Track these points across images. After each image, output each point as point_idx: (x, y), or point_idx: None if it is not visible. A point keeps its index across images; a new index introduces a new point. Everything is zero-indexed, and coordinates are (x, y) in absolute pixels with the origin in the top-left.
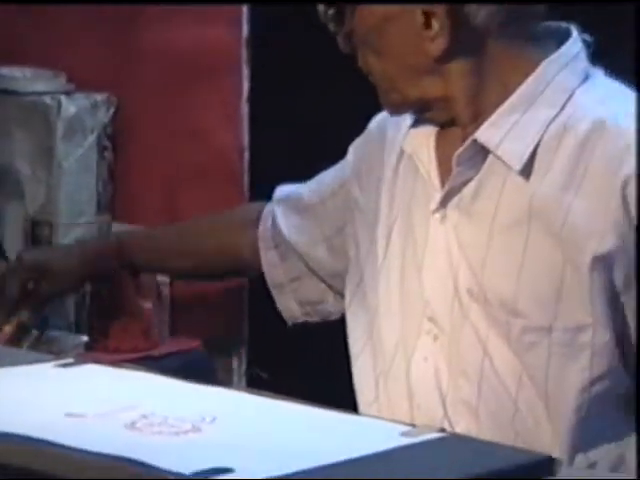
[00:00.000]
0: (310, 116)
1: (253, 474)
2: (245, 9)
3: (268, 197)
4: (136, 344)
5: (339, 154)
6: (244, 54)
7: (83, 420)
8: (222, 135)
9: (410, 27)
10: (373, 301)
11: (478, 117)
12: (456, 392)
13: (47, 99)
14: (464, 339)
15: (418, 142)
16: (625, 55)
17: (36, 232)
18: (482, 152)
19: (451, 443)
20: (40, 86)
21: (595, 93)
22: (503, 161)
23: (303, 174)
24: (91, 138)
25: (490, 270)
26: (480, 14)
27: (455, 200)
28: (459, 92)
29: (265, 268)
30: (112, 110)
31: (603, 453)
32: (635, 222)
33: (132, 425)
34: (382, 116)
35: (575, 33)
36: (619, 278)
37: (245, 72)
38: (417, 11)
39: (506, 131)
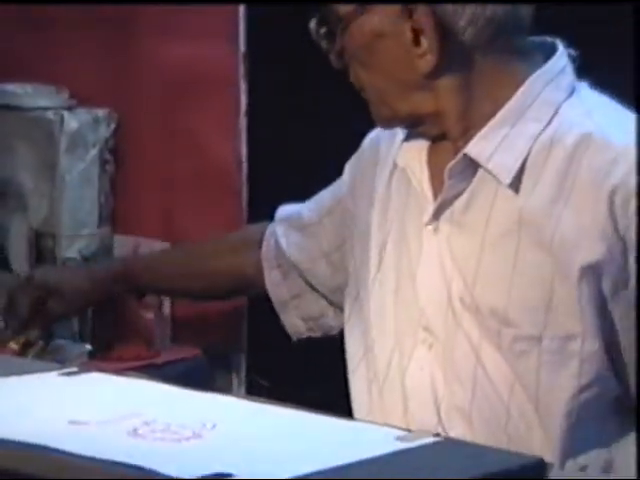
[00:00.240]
0: (306, 129)
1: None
2: (242, 25)
3: (266, 209)
4: (138, 353)
5: (335, 166)
6: (241, 69)
7: (86, 427)
8: (220, 148)
9: (399, 44)
10: (368, 312)
11: (468, 131)
12: (450, 399)
13: (50, 114)
14: (458, 347)
15: (410, 156)
16: (610, 68)
17: (40, 244)
18: (473, 165)
19: (445, 447)
20: (43, 102)
21: (581, 106)
22: (493, 175)
23: (300, 186)
24: (93, 152)
25: (482, 280)
26: (468, 30)
27: (447, 212)
28: (449, 107)
29: (269, 287)
30: (113, 125)
31: (593, 458)
32: (622, 232)
33: (135, 432)
34: (376, 132)
35: (561, 48)
36: (607, 287)
37: (242, 87)
38: (406, 28)
39: (495, 145)
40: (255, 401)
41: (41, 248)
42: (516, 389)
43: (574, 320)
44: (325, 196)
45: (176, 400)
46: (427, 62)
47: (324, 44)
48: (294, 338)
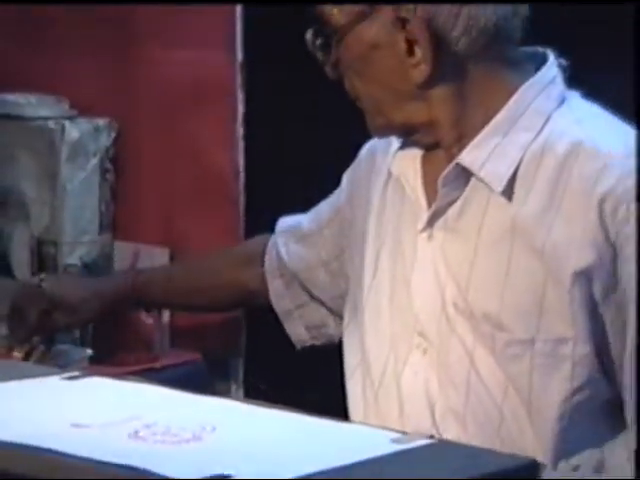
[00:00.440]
0: (303, 138)
1: None
2: (239, 35)
3: (263, 217)
4: (138, 357)
5: (332, 175)
6: (239, 79)
7: (88, 430)
8: (218, 157)
9: (394, 55)
10: (363, 319)
11: (461, 140)
12: (445, 402)
13: (51, 124)
14: (452, 351)
15: (405, 164)
16: (600, 77)
17: (42, 251)
18: (466, 174)
19: (440, 449)
20: (44, 111)
21: (571, 115)
22: (485, 183)
23: (297, 195)
24: (94, 161)
25: (475, 286)
26: (461, 40)
27: (441, 220)
28: (442, 116)
29: (272, 297)
30: (113, 134)
31: (585, 458)
32: (612, 238)
33: (135, 434)
34: (372, 142)
35: (551, 57)
36: (598, 291)
37: (240, 96)
38: (400, 39)
39: (488, 154)
40: (253, 404)
41: (43, 255)
42: (509, 392)
43: (566, 324)
44: (324, 207)
45: (176, 403)
46: (421, 72)
47: (320, 55)
48: (298, 347)
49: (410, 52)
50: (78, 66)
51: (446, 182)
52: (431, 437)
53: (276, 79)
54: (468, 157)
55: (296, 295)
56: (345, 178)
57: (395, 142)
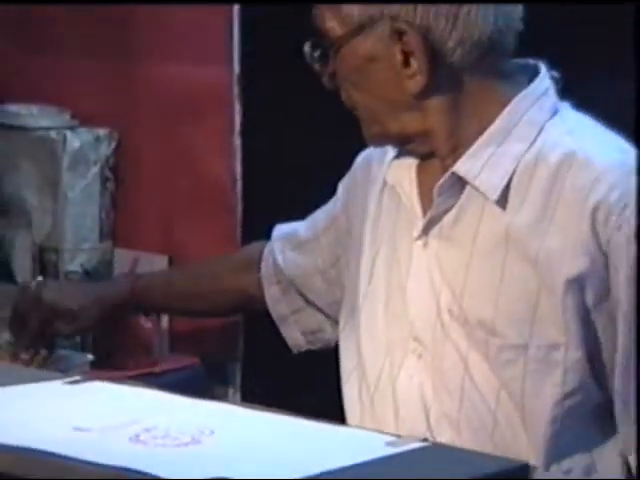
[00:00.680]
0: (299, 147)
1: None
2: (236, 49)
3: (259, 224)
4: (138, 362)
5: (327, 184)
6: (236, 90)
7: (90, 434)
8: (216, 166)
9: (390, 66)
10: (360, 324)
11: (456, 150)
12: (439, 407)
13: (53, 134)
14: (446, 357)
15: (400, 173)
16: (593, 88)
17: (43, 258)
18: (460, 183)
19: (434, 452)
20: (46, 122)
21: (564, 126)
22: (480, 191)
23: (293, 202)
24: (94, 170)
25: (470, 293)
26: (456, 52)
27: (436, 228)
28: (437, 126)
29: (269, 303)
30: (114, 144)
31: (575, 462)
32: (604, 247)
33: (136, 438)
34: (367, 152)
35: (544, 70)
36: (590, 298)
37: (237, 107)
38: (396, 51)
39: (482, 163)
40: (251, 408)
41: (45, 262)
42: (502, 397)
43: (558, 330)
44: (320, 215)
45: (175, 407)
46: (417, 83)
47: (317, 66)
48: (294, 351)
49: (406, 63)
50: (79, 77)
51: (442, 191)
52: (425, 440)
53: (272, 91)
54: (463, 167)
55: (292, 300)
56: (341, 187)
57: (390, 151)
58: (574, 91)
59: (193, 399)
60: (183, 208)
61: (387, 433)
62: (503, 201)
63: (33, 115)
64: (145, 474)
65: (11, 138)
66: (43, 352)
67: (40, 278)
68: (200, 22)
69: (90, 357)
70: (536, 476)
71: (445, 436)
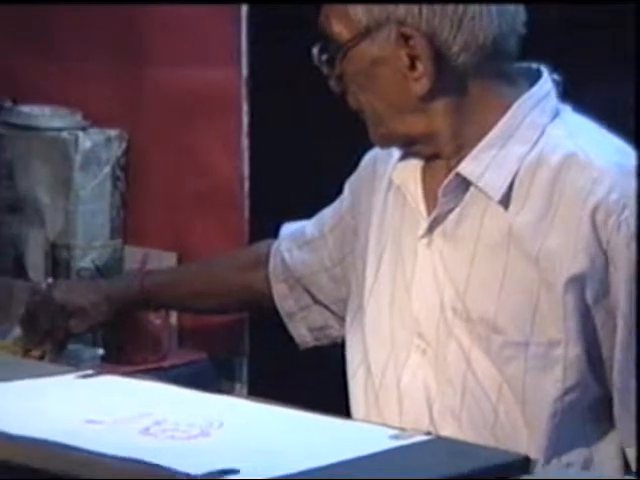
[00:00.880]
0: (305, 148)
1: (258, 474)
2: (244, 51)
3: (266, 223)
4: (147, 356)
5: (333, 184)
6: (244, 92)
7: (102, 426)
8: (224, 166)
9: (396, 69)
10: (365, 320)
11: (460, 151)
12: (442, 401)
13: (65, 134)
14: (449, 353)
15: (405, 174)
16: (592, 92)
17: (56, 255)
18: (464, 183)
19: (437, 445)
20: (59, 123)
21: (565, 129)
22: (484, 192)
23: (299, 202)
24: (105, 169)
25: (472, 290)
26: (461, 56)
27: (440, 227)
28: (442, 128)
29: (277, 300)
30: (124, 144)
31: (574, 456)
32: (604, 246)
33: (146, 431)
34: (373, 152)
35: (545, 73)
36: (590, 296)
37: (245, 108)
38: (403, 54)
39: (486, 165)
40: (257, 402)
41: (57, 258)
42: (504, 392)
43: (558, 328)
44: (327, 213)
45: (184, 401)
46: (422, 86)
47: (325, 69)
48: (302, 347)
49: (412, 67)
50: (91, 80)
51: (446, 191)
52: (428, 433)
53: (279, 92)
54: (467, 168)
55: (299, 298)
56: (347, 187)
57: (395, 152)
58: (575, 94)
59: (202, 393)
60: (191, 207)
61: (391, 426)
62: (506, 201)
63: (46, 116)
64: (155, 465)
65: (25, 139)
66: (54, 348)
67: (50, 280)
68: (209, 25)
69: (101, 352)
70: (536, 469)
71: (448, 430)
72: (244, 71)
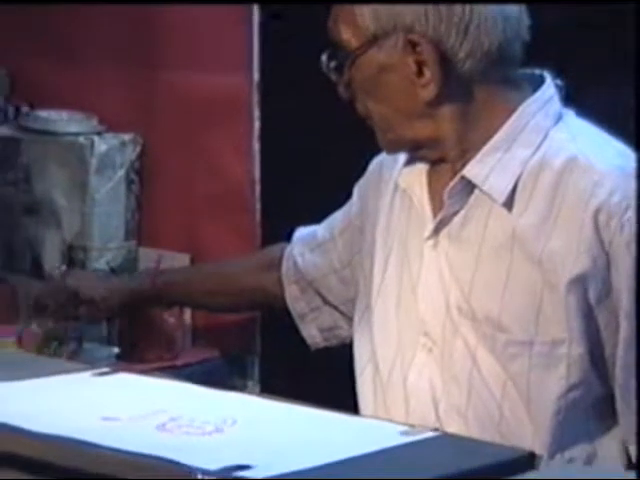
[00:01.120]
0: (315, 151)
1: (271, 470)
2: (255, 57)
3: (277, 225)
4: (161, 354)
5: (342, 187)
6: (255, 97)
7: (118, 423)
8: (236, 170)
9: (404, 76)
10: (373, 320)
11: (465, 155)
12: (448, 398)
13: (81, 139)
14: (455, 351)
15: (412, 178)
16: (594, 96)
17: (72, 256)
18: (469, 186)
19: (445, 441)
20: (75, 127)
21: (567, 133)
22: (488, 195)
23: (309, 205)
24: (120, 173)
25: (477, 290)
26: (467, 62)
27: (446, 229)
28: (448, 133)
29: (289, 301)
30: (138, 148)
31: (577, 451)
32: (606, 247)
33: (162, 427)
34: (380, 157)
35: (549, 79)
36: (592, 296)
37: (256, 113)
38: (410, 61)
39: (490, 168)
40: (269, 399)
41: (73, 260)
42: (508, 390)
43: (562, 327)
44: (337, 217)
45: (199, 398)
46: (429, 91)
47: (334, 76)
48: (312, 348)
49: (419, 73)
50: (106, 85)
51: (451, 194)
52: (436, 430)
53: (289, 97)
54: (472, 171)
55: (311, 299)
56: (356, 190)
57: (401, 157)
58: (577, 99)
59: (215, 390)
60: (204, 209)
61: (400, 423)
62: (509, 204)
63: (62, 121)
64: (171, 461)
65: (42, 143)
66: (72, 346)
67: (64, 267)
68: (221, 31)
69: (116, 350)
70: (541, 464)
71: (453, 427)
72: (255, 76)
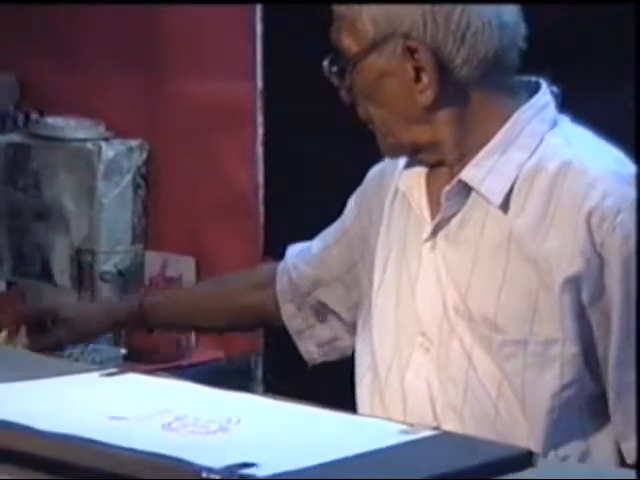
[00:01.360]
0: (317, 157)
1: (275, 468)
2: (259, 65)
3: (280, 230)
4: (166, 356)
5: (344, 193)
6: (259, 104)
7: (125, 422)
8: (240, 175)
9: (402, 81)
10: (372, 322)
11: (462, 158)
12: (444, 398)
13: (89, 145)
14: (452, 351)
15: (410, 181)
16: (591, 103)
17: (80, 259)
18: (466, 189)
19: (444, 440)
20: (83, 134)
21: (562, 137)
22: (485, 197)
23: (311, 209)
24: (127, 178)
25: (474, 291)
26: (464, 68)
27: (444, 231)
28: (445, 137)
29: (285, 319)
30: (145, 154)
31: (571, 449)
32: (599, 249)
33: (168, 426)
34: (380, 166)
35: (544, 85)
36: (585, 297)
37: (260, 120)
38: (409, 67)
39: (487, 171)
40: (272, 398)
41: (81, 263)
42: (504, 389)
43: (555, 327)
44: (330, 230)
45: (203, 398)
46: (427, 97)
47: (335, 81)
48: (309, 364)
49: (417, 79)
50: (113, 93)
51: (449, 197)
52: (435, 429)
53: (292, 104)
54: (469, 174)
55: (307, 316)
56: (352, 200)
57: (401, 163)
58: (572, 105)
59: (220, 390)
60: (209, 214)
61: (399, 422)
62: (505, 206)
63: (71, 127)
64: (177, 459)
65: (50, 149)
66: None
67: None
68: (226, 40)
69: (123, 351)
70: (537, 461)
71: (450, 425)
72: (259, 84)
